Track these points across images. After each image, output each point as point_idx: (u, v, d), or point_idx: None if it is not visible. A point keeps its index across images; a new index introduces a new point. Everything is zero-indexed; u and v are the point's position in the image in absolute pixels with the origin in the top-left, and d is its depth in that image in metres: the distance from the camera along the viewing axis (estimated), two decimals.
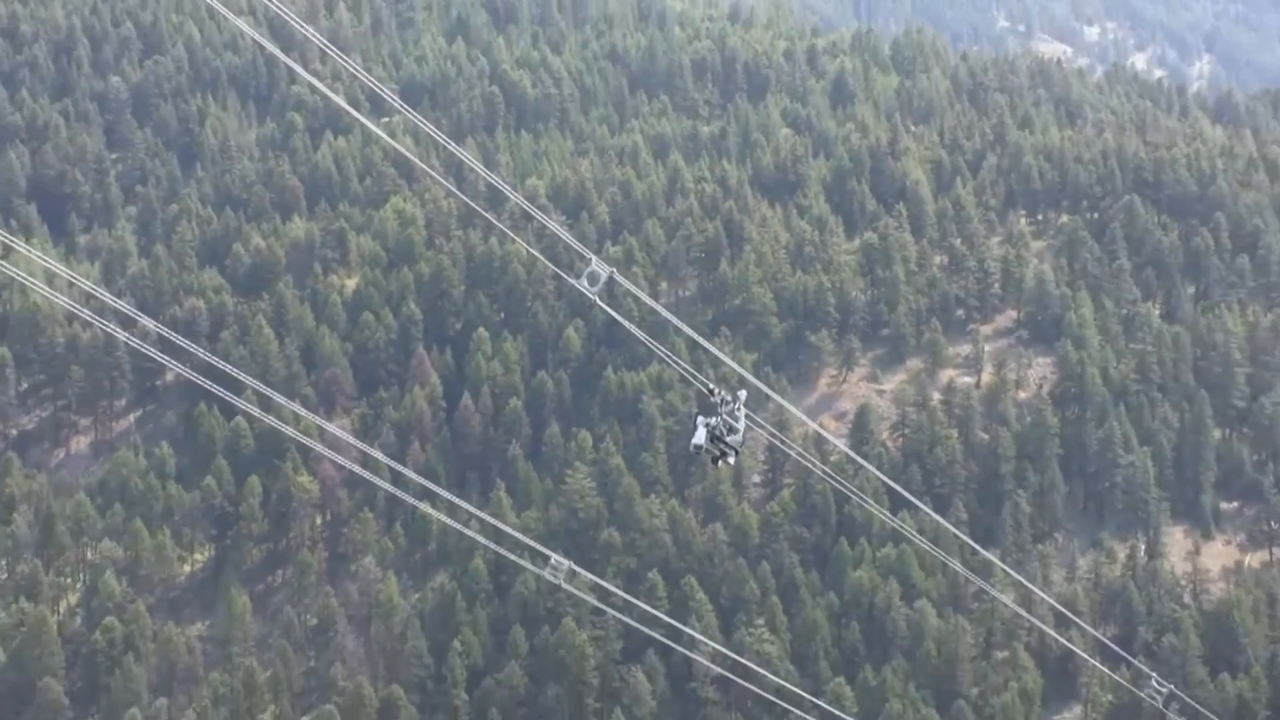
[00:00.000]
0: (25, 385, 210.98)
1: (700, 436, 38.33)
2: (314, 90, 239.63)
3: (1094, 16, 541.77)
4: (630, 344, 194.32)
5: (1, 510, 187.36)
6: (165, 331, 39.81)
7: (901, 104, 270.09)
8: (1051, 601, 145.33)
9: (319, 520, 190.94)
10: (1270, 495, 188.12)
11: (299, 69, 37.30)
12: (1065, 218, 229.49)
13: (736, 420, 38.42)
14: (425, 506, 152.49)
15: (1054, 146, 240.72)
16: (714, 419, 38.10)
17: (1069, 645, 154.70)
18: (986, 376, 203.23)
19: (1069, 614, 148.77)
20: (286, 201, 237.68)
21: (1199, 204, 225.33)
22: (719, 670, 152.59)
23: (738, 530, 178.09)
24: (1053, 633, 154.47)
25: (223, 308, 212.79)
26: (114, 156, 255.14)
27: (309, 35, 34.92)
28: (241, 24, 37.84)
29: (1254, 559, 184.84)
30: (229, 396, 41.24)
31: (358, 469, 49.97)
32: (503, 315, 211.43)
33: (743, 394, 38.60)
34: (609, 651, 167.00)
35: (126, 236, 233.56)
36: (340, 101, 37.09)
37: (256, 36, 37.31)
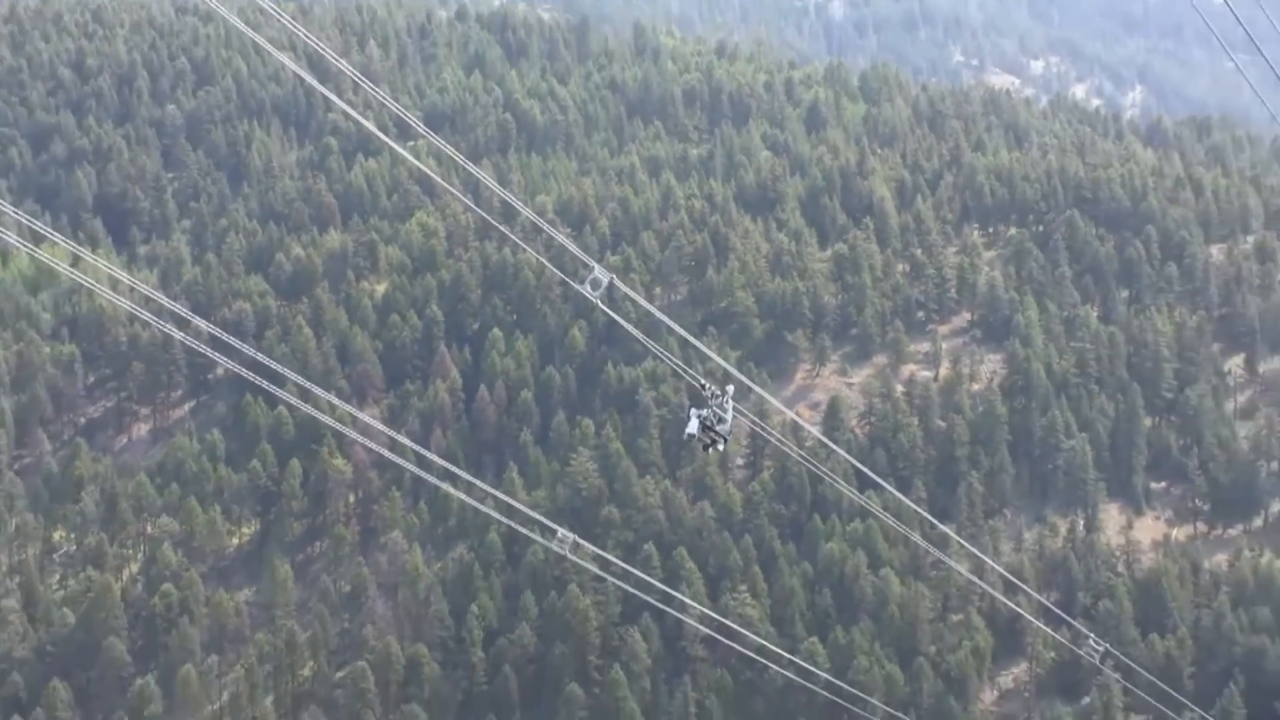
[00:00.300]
0: (92, 379, 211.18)
1: (693, 426, 38.30)
2: (347, 117, 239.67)
3: (1039, 52, 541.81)
4: (628, 342, 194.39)
5: (71, 490, 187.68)
6: (216, 331, 39.68)
7: (868, 129, 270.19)
8: (1001, 570, 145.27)
9: (352, 498, 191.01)
10: (1194, 476, 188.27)
11: (334, 98, 37.24)
12: (1013, 230, 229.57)
13: (725, 411, 38.42)
14: (446, 486, 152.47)
15: (1004, 167, 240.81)
16: (705, 410, 38.09)
17: (1016, 609, 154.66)
18: (944, 371, 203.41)
19: (1016, 581, 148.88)
20: (323, 216, 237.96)
21: (1132, 218, 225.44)
22: (707, 631, 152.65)
23: (723, 507, 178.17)
24: (1002, 598, 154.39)
25: (267, 310, 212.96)
26: (170, 176, 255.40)
27: (343, 68, 34.83)
28: (283, 58, 37.79)
29: (1180, 533, 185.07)
30: (272, 389, 41.13)
31: (386, 453, 50.05)
32: (515, 317, 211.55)
33: (730, 388, 38.59)
34: (609, 614, 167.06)
35: (181, 247, 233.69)
36: (370, 127, 37.00)
37: (297, 69, 37.22)
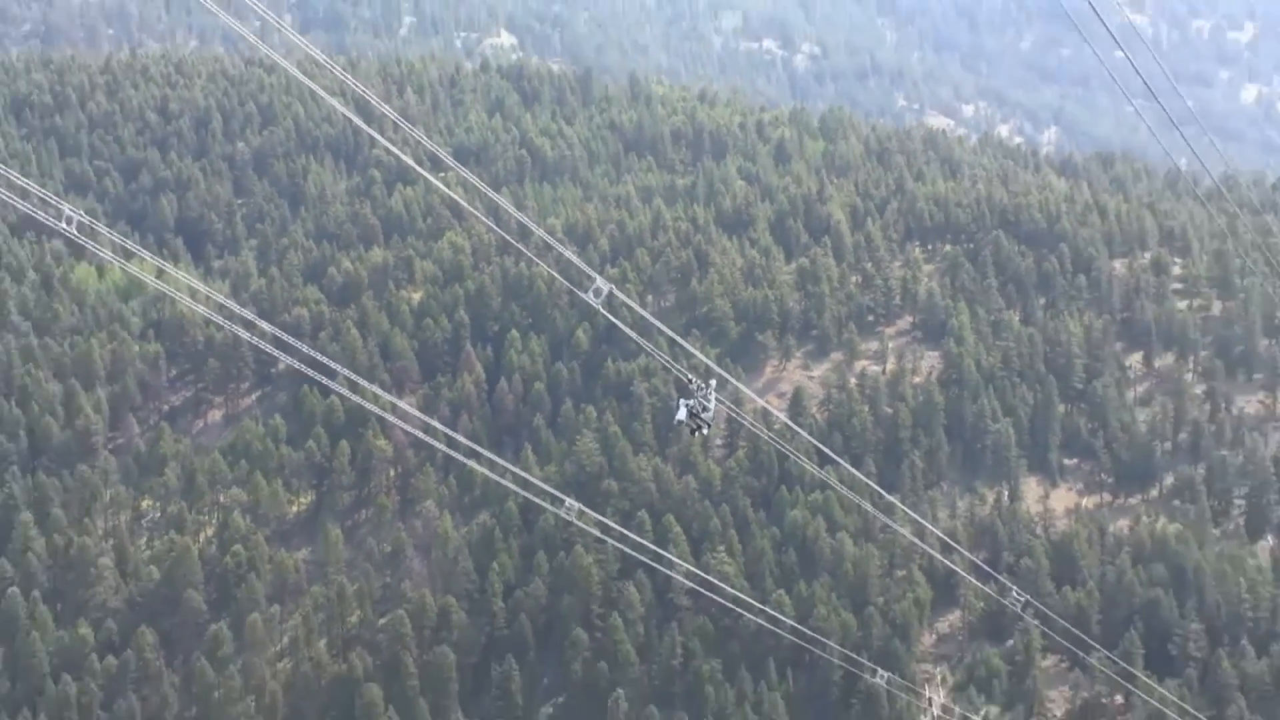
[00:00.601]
0: (174, 372, 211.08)
1: (682, 414, 38.37)
2: (389, 152, 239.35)
3: (970, 98, 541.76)
4: (625, 342, 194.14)
5: (156, 466, 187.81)
6: (278, 333, 39.64)
7: (826, 163, 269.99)
8: (938, 533, 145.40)
9: (392, 473, 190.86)
10: (1101, 454, 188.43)
11: (378, 136, 37.18)
12: (948, 247, 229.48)
13: (708, 401, 38.42)
14: (471, 463, 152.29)
15: (940, 194, 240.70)
16: (692, 400, 38.08)
17: (951, 565, 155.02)
18: (890, 366, 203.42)
19: (951, 542, 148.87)
20: (368, 235, 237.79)
21: (1048, 237, 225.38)
22: (690, 585, 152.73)
23: (705, 480, 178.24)
24: (939, 556, 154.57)
25: (321, 315, 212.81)
26: (240, 202, 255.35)
27: (385, 111, 34.77)
28: (335, 103, 37.69)
29: (1089, 501, 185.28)
30: (325, 381, 41.07)
31: (421, 435, 49.98)
32: (529, 320, 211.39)
33: (713, 382, 38.59)
34: (608, 571, 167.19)
35: (249, 262, 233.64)
36: (408, 161, 36.95)
37: (346, 112, 37.15)
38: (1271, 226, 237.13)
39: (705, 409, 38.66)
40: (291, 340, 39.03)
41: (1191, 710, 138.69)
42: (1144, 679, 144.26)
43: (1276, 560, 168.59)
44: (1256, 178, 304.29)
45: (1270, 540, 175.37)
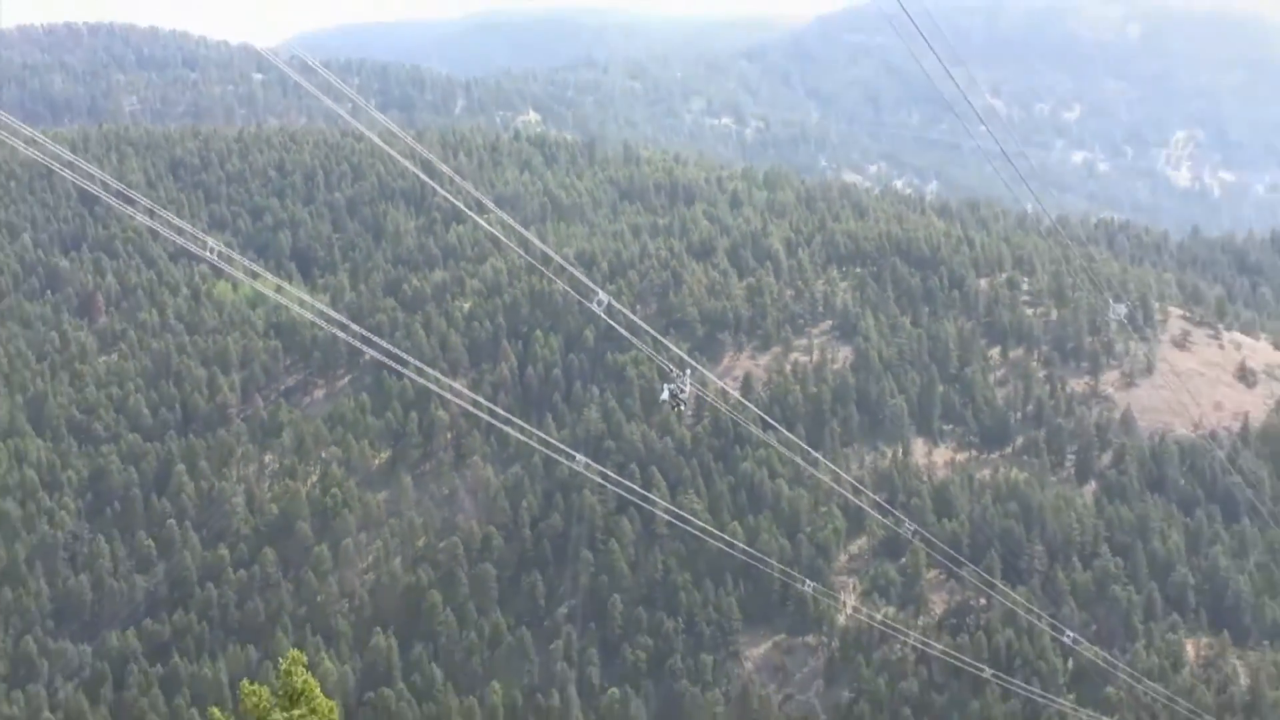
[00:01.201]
0: (288, 361, 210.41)
1: (665, 395, 38.35)
2: (447, 199, 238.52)
3: (874, 159, 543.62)
4: (620, 339, 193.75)
5: (275, 430, 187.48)
6: (364, 333, 39.54)
7: (768, 207, 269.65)
8: (850, 480, 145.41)
9: (449, 435, 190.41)
10: (970, 422, 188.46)
11: (439, 188, 37.11)
12: (858, 270, 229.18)
13: (684, 385, 38.42)
14: (507, 428, 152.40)
15: (852, 231, 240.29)
16: (672, 384, 38.06)
17: (860, 504, 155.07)
18: (815, 357, 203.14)
19: (860, 486, 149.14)
20: (431, 260, 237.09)
21: (931, 262, 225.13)
22: (668, 518, 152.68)
23: (679, 441, 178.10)
24: (851, 496, 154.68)
25: (396, 319, 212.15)
26: (336, 236, 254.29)
27: (443, 169, 34.68)
28: (406, 163, 37.63)
29: (961, 457, 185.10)
30: (399, 368, 40.92)
31: (470, 408, 49.85)
32: (550, 323, 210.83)
33: (689, 371, 38.59)
34: (607, 508, 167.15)
35: (344, 280, 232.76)
36: (461, 206, 36.93)
37: (415, 170, 37.10)
38: (1094, 255, 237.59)
39: (682, 391, 38.77)
40: (374, 338, 39.04)
41: (1035, 609, 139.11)
42: (1001, 586, 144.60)
43: (1097, 499, 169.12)
44: (1083, 219, 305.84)
45: (1093, 484, 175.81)
